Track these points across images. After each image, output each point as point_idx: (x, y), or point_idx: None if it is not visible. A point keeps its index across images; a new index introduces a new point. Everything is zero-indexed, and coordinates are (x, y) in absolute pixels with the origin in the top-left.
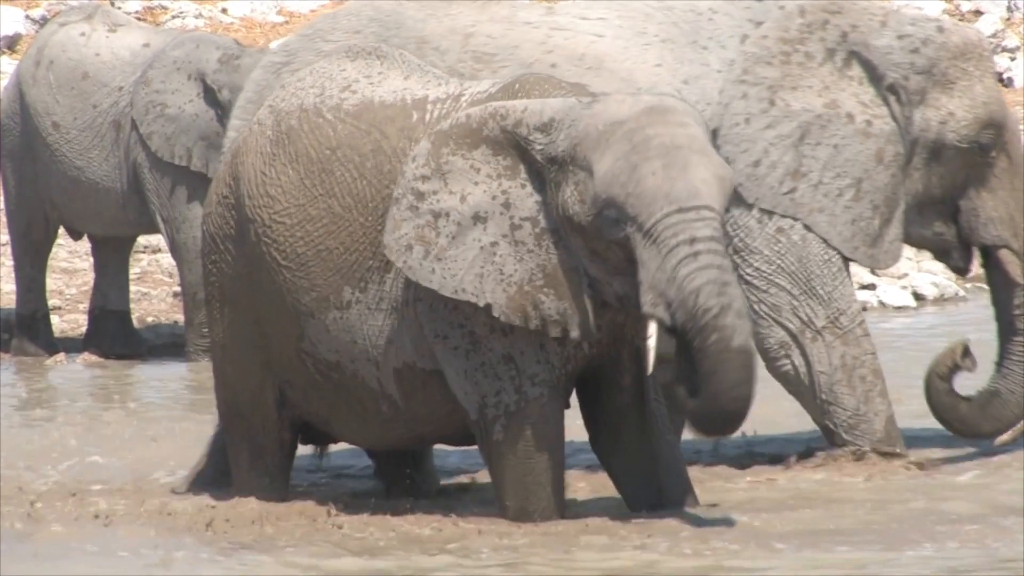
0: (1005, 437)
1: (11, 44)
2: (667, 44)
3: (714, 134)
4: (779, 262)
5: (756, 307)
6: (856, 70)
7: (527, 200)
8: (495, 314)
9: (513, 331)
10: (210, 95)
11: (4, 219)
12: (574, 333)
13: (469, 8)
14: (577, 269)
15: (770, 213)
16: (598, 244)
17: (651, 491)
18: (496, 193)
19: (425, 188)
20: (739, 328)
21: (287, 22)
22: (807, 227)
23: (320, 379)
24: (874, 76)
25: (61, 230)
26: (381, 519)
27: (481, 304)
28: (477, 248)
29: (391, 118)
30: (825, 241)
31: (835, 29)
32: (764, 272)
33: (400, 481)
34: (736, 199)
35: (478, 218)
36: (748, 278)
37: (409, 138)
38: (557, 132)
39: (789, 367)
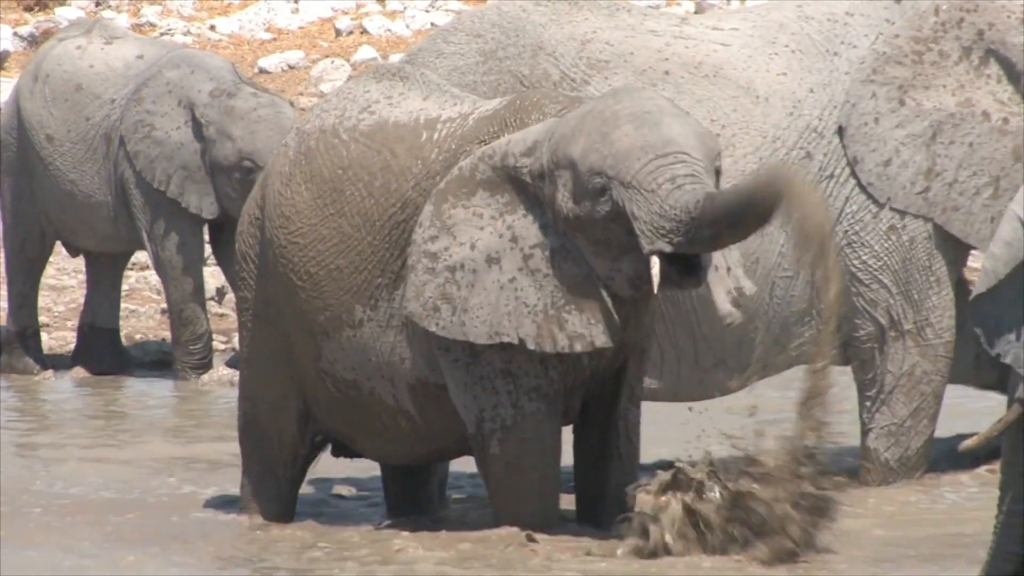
0: (970, 443)
1: None
2: (797, 54)
3: (840, 132)
4: (886, 259)
5: (855, 299)
6: (993, 68)
7: (531, 228)
8: (530, 347)
9: (513, 345)
10: (197, 127)
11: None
12: (600, 341)
13: (595, 15)
14: (590, 276)
15: (895, 211)
16: (598, 231)
17: (594, 505)
18: (502, 231)
19: (436, 248)
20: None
21: (275, 39)
22: (938, 227)
23: (340, 397)
24: (1012, 74)
25: (57, 246)
26: (373, 536)
27: (516, 342)
28: (497, 289)
29: (401, 137)
30: (960, 240)
31: (971, 27)
32: (870, 267)
33: (404, 501)
34: (863, 197)
35: (491, 260)
36: (854, 270)
37: (417, 157)
38: (540, 150)
39: (868, 358)
